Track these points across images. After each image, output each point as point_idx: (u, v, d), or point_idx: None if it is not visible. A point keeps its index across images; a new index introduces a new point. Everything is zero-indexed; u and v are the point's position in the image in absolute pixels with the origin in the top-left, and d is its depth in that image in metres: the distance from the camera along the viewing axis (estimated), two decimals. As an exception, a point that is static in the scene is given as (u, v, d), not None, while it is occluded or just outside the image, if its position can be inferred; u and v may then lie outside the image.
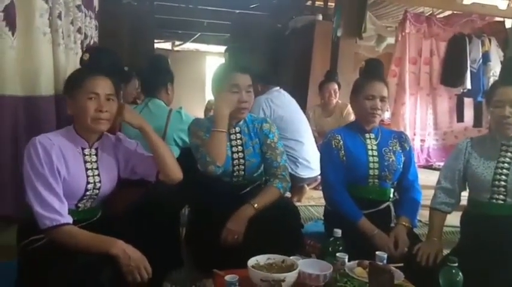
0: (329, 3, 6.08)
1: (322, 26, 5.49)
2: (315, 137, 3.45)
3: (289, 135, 2.99)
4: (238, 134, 1.98)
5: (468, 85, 5.16)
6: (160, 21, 6.79)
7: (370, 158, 2.02)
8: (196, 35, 8.18)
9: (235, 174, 1.98)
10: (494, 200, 1.79)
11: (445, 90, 5.49)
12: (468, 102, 5.44)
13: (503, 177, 1.76)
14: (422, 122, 5.57)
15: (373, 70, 2.07)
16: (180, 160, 2.39)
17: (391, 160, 2.03)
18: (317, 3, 6.56)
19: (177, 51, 10.16)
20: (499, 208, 1.79)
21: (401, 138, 2.13)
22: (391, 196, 2.10)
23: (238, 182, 2.01)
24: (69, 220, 1.47)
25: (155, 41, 7.33)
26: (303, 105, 4.58)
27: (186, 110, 2.51)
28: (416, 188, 2.11)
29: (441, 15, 5.76)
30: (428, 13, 5.52)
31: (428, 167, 5.48)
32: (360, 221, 1.93)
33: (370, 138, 2.06)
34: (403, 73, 5.27)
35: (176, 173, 1.73)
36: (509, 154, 1.79)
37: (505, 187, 1.76)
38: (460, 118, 5.48)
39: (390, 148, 2.06)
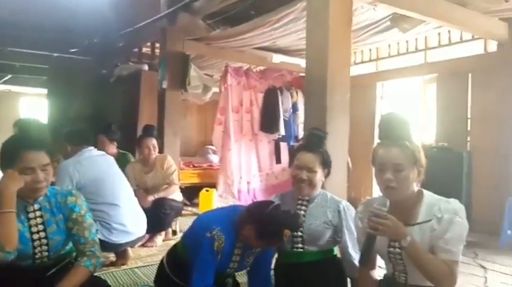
0: (156, 50, 6.17)
1: (148, 76, 5.55)
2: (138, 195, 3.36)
3: (101, 199, 2.79)
4: (38, 212, 1.78)
5: (282, 131, 5.85)
6: (-41, 62, 5.84)
7: (231, 264, 1.93)
8: (7, 77, 7.26)
9: (37, 256, 1.76)
10: (295, 249, 2.03)
11: (264, 136, 6.08)
12: (284, 146, 6.14)
13: (300, 228, 1.99)
14: (247, 165, 6.03)
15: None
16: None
17: (248, 263, 1.99)
18: (144, 49, 6.60)
19: (-18, 91, 8.83)
20: (300, 256, 2.03)
21: None
22: None
23: (42, 264, 1.79)
24: None
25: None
26: (134, 156, 4.45)
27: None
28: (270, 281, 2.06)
29: (257, 69, 6.46)
30: (246, 67, 6.13)
31: (254, 207, 5.89)
32: None
33: (239, 247, 1.92)
34: (227, 121, 5.66)
35: None
36: (303, 207, 2.06)
37: (301, 237, 2.01)
38: (278, 160, 6.13)
39: (253, 250, 1.95)
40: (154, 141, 3.82)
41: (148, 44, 6.35)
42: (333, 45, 2.93)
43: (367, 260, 1.63)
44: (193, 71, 5.86)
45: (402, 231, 1.48)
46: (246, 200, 5.65)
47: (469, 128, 4.82)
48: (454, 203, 1.54)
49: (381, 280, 1.74)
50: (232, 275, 2.12)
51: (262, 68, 6.39)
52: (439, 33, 5.18)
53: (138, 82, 5.53)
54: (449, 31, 5.03)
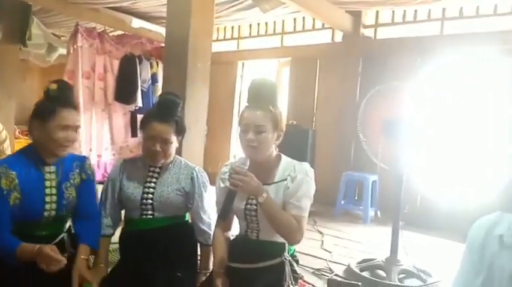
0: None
1: (-25, 24, 4.61)
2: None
3: None
4: None
5: (140, 103, 5.55)
6: None
7: (48, 198, 1.72)
8: None
9: None
10: (144, 216, 1.94)
11: (119, 106, 5.69)
12: (141, 118, 5.83)
13: (150, 195, 1.93)
14: (98, 137, 5.59)
15: (65, 96, 1.73)
16: None
17: (71, 197, 1.80)
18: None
19: None
20: (149, 222, 1.95)
21: (83, 167, 1.87)
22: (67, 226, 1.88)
23: None
24: None
25: None
26: None
27: None
28: (98, 218, 1.93)
29: (114, 34, 5.96)
30: (101, 30, 5.60)
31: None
32: (18, 247, 1.59)
33: (50, 172, 1.74)
34: (76, 87, 5.09)
35: None
36: (156, 174, 1.98)
37: (152, 204, 1.93)
38: (134, 133, 5.81)
39: (71, 181, 1.81)
40: None
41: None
42: (195, 10, 2.85)
43: (226, 216, 1.71)
44: (36, 28, 5.12)
45: (259, 188, 1.57)
46: (96, 175, 5.22)
47: (315, 109, 5.31)
48: (306, 166, 1.72)
49: (233, 239, 1.80)
50: (69, 231, 1.87)
51: (120, 33, 5.92)
52: (294, 19, 5.55)
53: (-40, 31, 4.55)
54: (303, 18, 5.43)
